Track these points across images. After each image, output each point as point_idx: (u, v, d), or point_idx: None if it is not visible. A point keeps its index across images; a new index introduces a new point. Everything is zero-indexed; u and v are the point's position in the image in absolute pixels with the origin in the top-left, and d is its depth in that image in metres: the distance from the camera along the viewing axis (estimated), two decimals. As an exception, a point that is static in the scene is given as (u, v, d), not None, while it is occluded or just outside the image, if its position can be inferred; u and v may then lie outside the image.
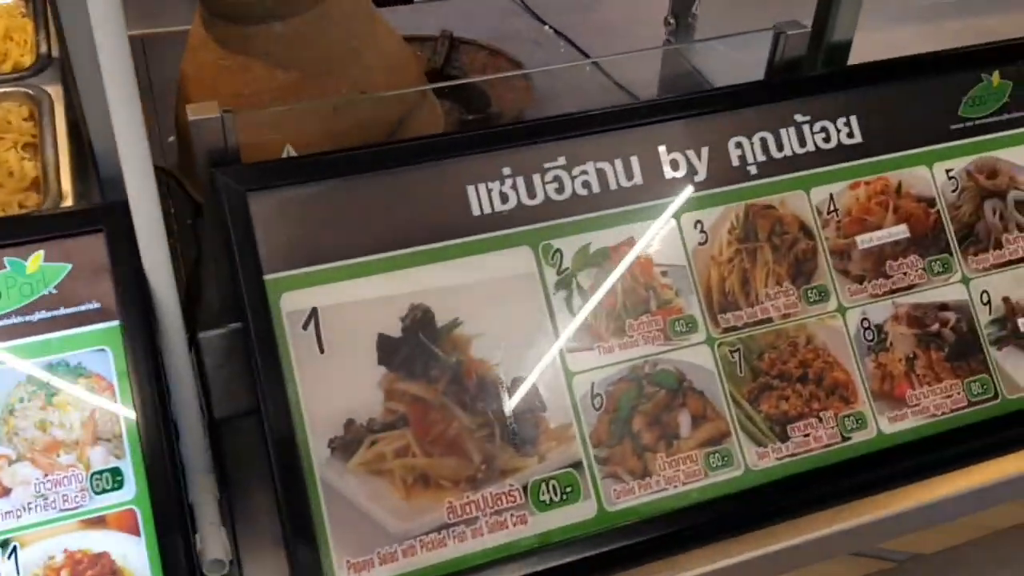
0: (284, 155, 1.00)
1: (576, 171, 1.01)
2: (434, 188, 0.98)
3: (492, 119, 1.53)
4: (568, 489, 0.92)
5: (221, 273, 0.98)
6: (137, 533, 0.83)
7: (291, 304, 0.92)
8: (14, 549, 0.80)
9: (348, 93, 1.19)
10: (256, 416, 1.01)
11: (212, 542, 0.87)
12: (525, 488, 0.92)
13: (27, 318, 0.85)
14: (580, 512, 0.92)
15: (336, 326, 0.92)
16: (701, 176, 1.04)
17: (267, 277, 0.91)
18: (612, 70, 1.59)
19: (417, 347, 0.94)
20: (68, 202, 1.06)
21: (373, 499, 0.90)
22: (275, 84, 1.16)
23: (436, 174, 0.99)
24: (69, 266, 0.86)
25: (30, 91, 1.26)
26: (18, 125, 1.20)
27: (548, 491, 0.93)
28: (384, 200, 0.97)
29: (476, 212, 0.98)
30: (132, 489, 0.83)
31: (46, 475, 0.82)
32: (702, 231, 1.03)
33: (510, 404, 0.94)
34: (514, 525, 0.91)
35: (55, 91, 1.27)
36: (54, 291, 0.86)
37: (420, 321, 0.95)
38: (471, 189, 0.99)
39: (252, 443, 1.02)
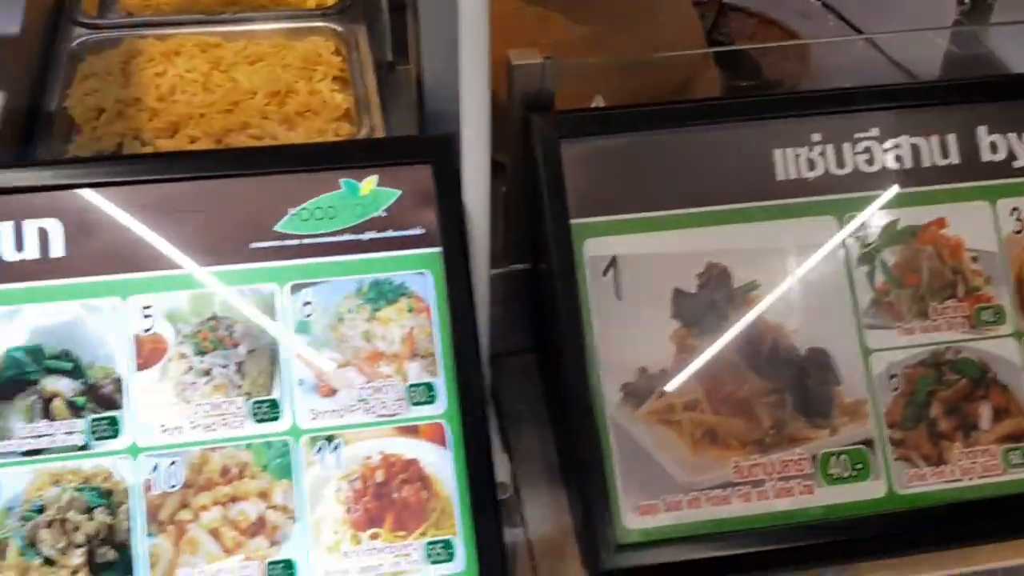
0: (593, 105, 1.02)
1: (888, 144, 0.98)
2: (740, 149, 0.98)
3: (765, 87, 1.52)
4: (858, 466, 0.91)
5: (518, 217, 1.02)
6: (445, 445, 0.88)
7: (593, 250, 0.95)
8: (337, 445, 0.87)
9: (639, 51, 1.21)
10: (537, 354, 1.06)
11: (497, 465, 0.93)
12: (814, 458, 0.92)
13: (358, 237, 0.91)
14: (868, 491, 0.91)
15: (634, 276, 0.95)
16: (1021, 162, 0.99)
17: (573, 221, 0.94)
18: (887, 47, 1.54)
19: (712, 305, 0.95)
20: (379, 134, 1.13)
21: (661, 448, 0.92)
22: (572, 36, 1.19)
23: (743, 135, 0.99)
24: (399, 192, 0.92)
25: (337, 27, 1.35)
26: (328, 59, 1.28)
27: (838, 465, 0.92)
28: (690, 157, 0.98)
29: (781, 176, 0.98)
30: (443, 405, 0.89)
31: (368, 382, 0.89)
32: (1018, 219, 0.98)
33: (804, 373, 0.94)
34: (800, 494, 0.91)
35: (360, 30, 1.35)
36: (383, 214, 0.92)
37: (717, 280, 0.96)
38: (777, 153, 0.98)
39: (516, 381, 1.07)
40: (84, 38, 1.28)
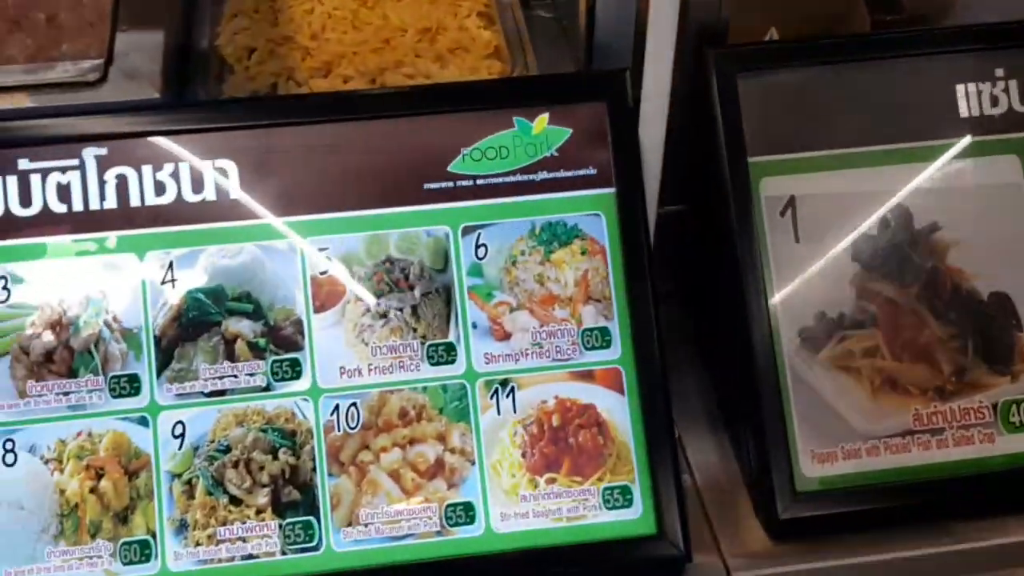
0: (767, 39, 0.98)
1: (1080, 78, 0.93)
2: (920, 85, 0.93)
3: (909, 22, 1.45)
4: (1045, 414, 0.88)
5: (675, 156, 0.99)
6: (621, 391, 0.87)
7: (771, 189, 0.91)
8: (512, 389, 0.87)
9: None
10: (688, 298, 1.03)
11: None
12: (995, 407, 0.89)
13: (531, 177, 0.89)
14: (1054, 440, 0.88)
15: (812, 217, 0.91)
16: None
17: (750, 160, 0.91)
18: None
19: (893, 248, 0.91)
20: (533, 70, 1.10)
21: (840, 394, 0.89)
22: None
23: (923, 70, 0.94)
24: (570, 131, 0.89)
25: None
26: (471, -7, 1.25)
27: (1019, 413, 0.89)
28: (869, 93, 0.93)
29: (964, 114, 0.93)
30: (618, 349, 0.87)
31: (542, 325, 0.88)
32: None
33: (985, 318, 0.90)
34: (981, 442, 0.88)
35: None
36: (556, 154, 0.89)
37: (898, 221, 0.92)
38: (960, 88, 0.94)
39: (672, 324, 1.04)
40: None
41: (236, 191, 0.85)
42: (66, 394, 0.83)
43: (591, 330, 0.88)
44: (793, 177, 0.92)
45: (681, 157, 0.93)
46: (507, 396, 0.86)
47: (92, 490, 0.82)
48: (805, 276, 0.91)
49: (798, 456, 0.88)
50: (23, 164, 0.84)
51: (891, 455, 0.88)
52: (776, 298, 0.90)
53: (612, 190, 0.89)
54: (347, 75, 1.04)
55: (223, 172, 0.85)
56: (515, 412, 0.86)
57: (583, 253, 0.89)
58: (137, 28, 0.94)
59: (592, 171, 0.89)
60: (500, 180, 0.88)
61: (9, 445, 0.82)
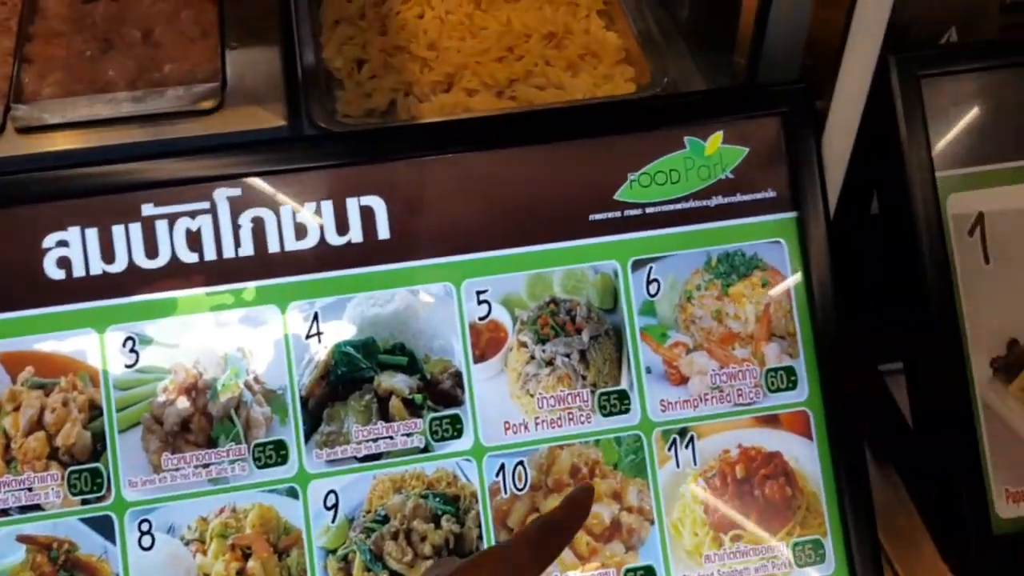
0: (946, 39, 0.89)
1: None
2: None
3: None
4: None
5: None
6: (809, 436, 0.79)
7: (959, 206, 0.83)
8: (691, 439, 0.79)
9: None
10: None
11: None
12: None
13: (705, 203, 0.80)
14: None
15: (1004, 235, 0.83)
16: None
17: (937, 175, 0.83)
18: None
19: (1091, 267, 0.85)
20: (674, 81, 1.00)
21: (1036, 429, 0.83)
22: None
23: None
24: (746, 150, 0.80)
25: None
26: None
27: None
28: (1063, 97, 0.86)
29: None
30: (805, 390, 0.79)
31: (722, 367, 0.80)
32: None
33: None
34: None
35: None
36: (731, 176, 0.80)
37: (1097, 237, 0.85)
38: None
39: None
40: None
41: (384, 231, 0.76)
42: (206, 466, 0.74)
43: (775, 370, 0.80)
44: (982, 192, 0.83)
45: (859, 171, 0.85)
46: (686, 447, 0.79)
47: (239, 572, 0.74)
48: (997, 300, 0.83)
49: (992, 496, 0.82)
50: (147, 210, 0.73)
51: (1107, 498, 0.83)
52: (967, 325, 0.83)
53: (794, 214, 0.80)
54: (472, 88, 0.94)
55: (369, 210, 0.76)
56: (695, 464, 0.79)
57: (764, 285, 0.80)
58: (247, 43, 0.83)
59: (772, 194, 0.80)
60: (672, 207, 0.79)
61: (145, 526, 0.74)
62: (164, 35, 0.85)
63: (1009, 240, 0.84)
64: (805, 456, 0.79)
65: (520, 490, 0.77)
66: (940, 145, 0.83)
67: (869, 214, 0.88)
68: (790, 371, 0.80)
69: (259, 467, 0.75)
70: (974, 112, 0.84)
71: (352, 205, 0.76)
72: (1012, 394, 0.83)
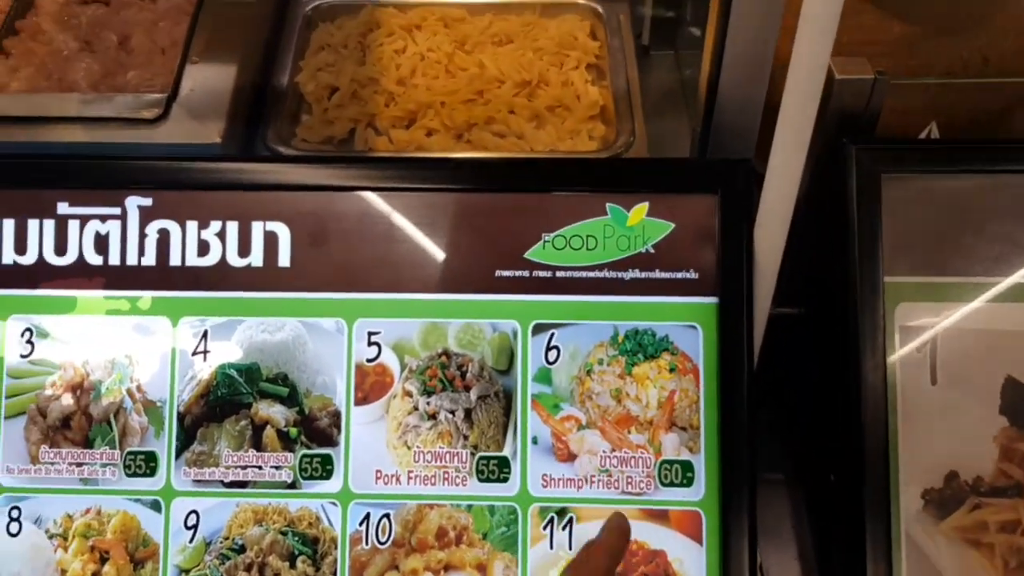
0: (926, 135, 0.83)
1: None
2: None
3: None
4: None
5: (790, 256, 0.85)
6: (699, 540, 0.73)
7: (908, 317, 0.76)
8: (570, 520, 0.74)
9: (967, 59, 0.99)
10: (785, 414, 0.89)
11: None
12: None
13: (620, 274, 0.76)
14: None
15: (955, 355, 0.76)
16: None
17: (887, 279, 0.77)
18: None
19: (1054, 404, 0.76)
20: (640, 142, 0.98)
21: (963, 574, 0.74)
22: (887, 37, 0.99)
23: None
24: (672, 226, 0.76)
25: (597, 7, 1.20)
26: (584, 43, 1.12)
27: None
28: (1041, 208, 0.78)
29: None
30: (701, 489, 0.74)
31: (614, 450, 0.75)
32: None
33: None
34: None
35: (621, 9, 1.19)
36: (651, 250, 0.76)
37: (1064, 371, 0.76)
38: None
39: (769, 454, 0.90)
40: (318, 2, 1.17)
41: (285, 259, 0.76)
42: (79, 465, 0.75)
43: (671, 463, 0.74)
44: (936, 305, 0.76)
45: (798, 255, 0.79)
46: (563, 528, 0.74)
47: (95, 575, 0.75)
48: (939, 427, 0.75)
49: (905, 645, 0.73)
50: (62, 208, 0.76)
51: (1019, 662, 0.73)
52: (900, 449, 0.75)
53: (714, 300, 0.75)
54: (432, 127, 0.94)
55: (274, 236, 0.76)
56: (570, 549, 0.74)
57: (672, 370, 0.75)
58: (209, 59, 0.86)
59: (693, 275, 0.76)
60: (584, 274, 0.76)
61: (15, 513, 0.75)
62: (139, 42, 0.89)
63: (963, 362, 0.76)
64: (691, 560, 0.73)
65: (382, 543, 0.74)
66: (894, 247, 0.76)
67: (800, 311, 0.82)
68: (687, 466, 0.74)
69: (128, 475, 0.75)
70: (938, 216, 0.77)
71: (257, 229, 0.76)
72: (942, 532, 0.74)
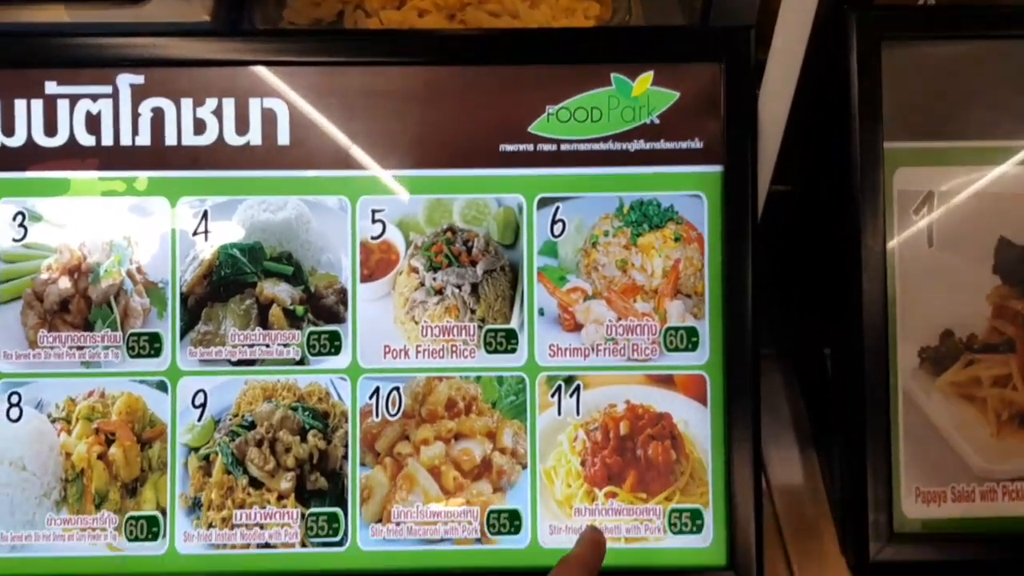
0: (925, 0, 0.83)
1: None
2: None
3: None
4: None
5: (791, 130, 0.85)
6: (704, 402, 0.75)
7: (906, 182, 0.77)
8: (577, 388, 0.76)
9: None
10: (782, 293, 0.90)
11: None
12: None
13: (625, 146, 0.76)
14: None
15: (951, 217, 0.77)
16: None
17: (886, 145, 0.77)
18: None
19: (1045, 262, 0.78)
20: (637, 19, 0.96)
21: (958, 427, 0.77)
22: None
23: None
24: (677, 95, 0.76)
25: None
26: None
27: None
28: (1035, 72, 0.79)
29: None
30: (706, 354, 0.75)
31: (620, 319, 0.76)
32: None
33: None
34: (1123, 500, 0.76)
35: None
36: (656, 121, 0.76)
37: (1054, 232, 0.78)
38: None
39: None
40: None
41: (285, 136, 0.74)
42: (80, 348, 0.75)
43: (676, 329, 0.76)
44: (934, 169, 0.77)
45: (799, 129, 0.79)
46: (571, 395, 0.76)
47: (100, 456, 0.74)
48: (936, 287, 0.77)
49: (901, 492, 0.76)
50: (51, 88, 0.74)
51: (1010, 501, 0.76)
52: (898, 309, 0.77)
53: (719, 168, 0.75)
54: (423, 8, 0.91)
55: (272, 113, 0.74)
56: (578, 414, 0.75)
57: (676, 239, 0.76)
58: (193, -64, 0.83)
59: (698, 144, 0.76)
60: (588, 147, 0.75)
61: (15, 399, 0.74)
62: (119, -80, 0.85)
63: (958, 224, 0.77)
64: (696, 421, 0.75)
65: (392, 416, 0.75)
66: (893, 114, 0.77)
67: (803, 179, 0.82)
68: (692, 332, 0.76)
69: (132, 356, 0.75)
70: (937, 82, 0.77)
71: (255, 106, 0.74)
72: (938, 388, 0.77)
